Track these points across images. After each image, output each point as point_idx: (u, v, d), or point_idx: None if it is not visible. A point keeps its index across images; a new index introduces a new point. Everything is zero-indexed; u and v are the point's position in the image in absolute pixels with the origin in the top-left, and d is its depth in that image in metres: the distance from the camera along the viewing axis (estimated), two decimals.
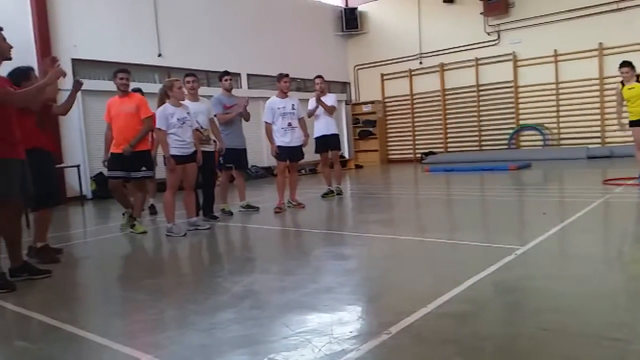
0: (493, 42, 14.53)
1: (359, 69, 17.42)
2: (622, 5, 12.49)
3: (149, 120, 5.82)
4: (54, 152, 4.86)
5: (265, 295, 3.28)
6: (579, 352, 2.15)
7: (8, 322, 3.16)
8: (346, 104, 17.13)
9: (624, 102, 7.50)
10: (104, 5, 10.91)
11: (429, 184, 10.17)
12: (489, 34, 14.58)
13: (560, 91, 13.65)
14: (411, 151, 16.49)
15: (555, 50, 13.48)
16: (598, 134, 13.25)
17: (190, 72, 6.59)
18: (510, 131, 14.49)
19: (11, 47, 3.74)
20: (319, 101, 7.76)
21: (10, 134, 3.69)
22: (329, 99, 7.96)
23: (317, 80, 7.99)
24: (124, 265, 4.73)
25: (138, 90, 6.39)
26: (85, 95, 10.28)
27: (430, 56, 15.69)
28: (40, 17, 9.79)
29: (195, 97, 6.32)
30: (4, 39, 3.71)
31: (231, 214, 6.85)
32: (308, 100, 8.16)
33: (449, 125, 15.69)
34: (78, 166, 9.54)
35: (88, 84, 10.18)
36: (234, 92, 7.31)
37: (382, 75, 16.79)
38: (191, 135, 5.68)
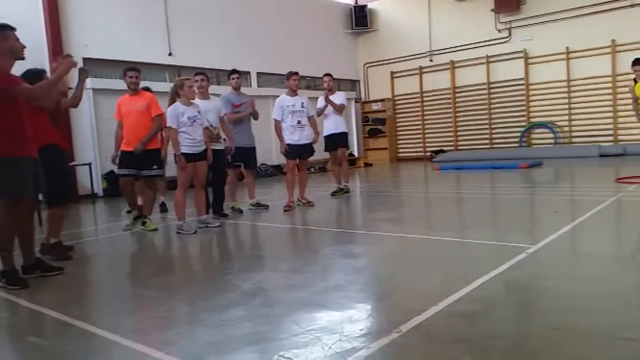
0: (504, 39, 14.42)
1: (368, 67, 17.38)
2: (636, 1, 12.33)
3: (159, 119, 5.86)
4: (66, 150, 4.90)
5: (275, 292, 3.29)
6: (591, 351, 2.13)
7: (21, 318, 3.20)
8: (356, 102, 17.10)
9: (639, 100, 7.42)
10: (115, 5, 10.98)
11: (439, 182, 10.13)
12: (499, 31, 14.46)
13: (572, 89, 13.52)
14: (421, 149, 16.43)
15: (567, 48, 13.35)
16: (610, 132, 13.11)
17: (199, 71, 6.62)
18: (522, 129, 14.38)
19: (24, 47, 3.78)
20: (327, 100, 7.76)
21: (22, 131, 3.72)
22: (338, 97, 7.95)
23: (326, 79, 7.99)
24: (134, 262, 4.77)
25: (146, 88, 6.42)
26: (97, 94, 10.39)
27: (441, 53, 15.60)
28: (51, 18, 9.89)
29: (205, 96, 6.34)
30: (17, 39, 3.74)
31: (241, 211, 6.87)
32: (317, 98, 8.15)
33: (459, 123, 15.60)
34: (89, 164, 9.63)
35: (99, 83, 10.44)
36: (243, 90, 7.33)
37: (392, 73, 16.73)
38: (202, 133, 5.71)
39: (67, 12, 10.24)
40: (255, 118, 7.11)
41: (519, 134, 14.41)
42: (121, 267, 4.57)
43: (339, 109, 7.88)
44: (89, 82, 10.24)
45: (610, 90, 12.97)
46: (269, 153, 13.34)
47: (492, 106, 14.88)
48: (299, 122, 7.01)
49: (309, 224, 6.07)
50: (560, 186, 8.48)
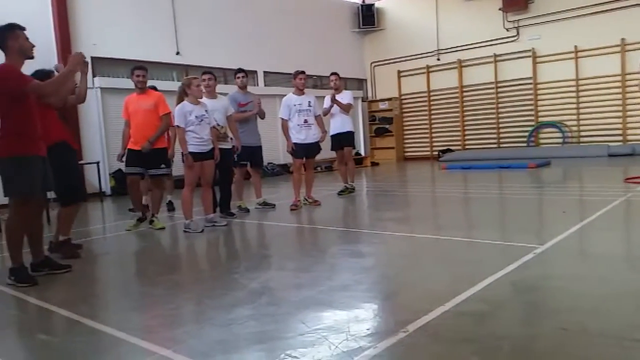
0: (512, 38, 14.34)
1: (375, 66, 17.34)
2: None
3: (167, 117, 5.89)
4: (75, 149, 4.93)
5: (282, 292, 3.29)
6: (600, 352, 2.12)
7: (30, 315, 3.23)
8: (362, 101, 17.07)
9: None
10: (123, 4, 11.03)
11: (446, 182, 10.09)
12: (507, 29, 14.38)
13: (581, 88, 13.41)
14: (428, 149, 16.37)
15: (576, 46, 13.25)
16: (619, 132, 13.00)
17: (207, 70, 6.63)
18: (529, 129, 14.29)
19: (33, 46, 3.81)
20: (334, 101, 7.75)
21: (32, 130, 3.75)
22: (345, 96, 7.94)
23: (332, 78, 7.99)
24: (142, 260, 4.79)
25: (152, 87, 6.45)
26: (105, 92, 10.44)
27: (448, 52, 15.53)
28: (60, 17, 9.95)
29: (212, 95, 6.36)
30: (27, 38, 3.77)
31: (247, 211, 6.89)
32: (324, 97, 8.15)
33: (466, 123, 15.54)
34: (97, 163, 9.69)
35: (108, 82, 10.49)
36: (250, 89, 7.33)
37: (399, 72, 16.69)
38: (209, 132, 5.72)
39: (76, 12, 10.30)
40: (262, 117, 7.12)
41: (526, 134, 14.33)
42: (129, 266, 4.60)
43: (346, 109, 7.88)
44: (97, 81, 10.33)
45: (619, 90, 12.85)
46: (275, 152, 13.35)
47: (500, 105, 14.80)
48: (305, 121, 7.01)
49: (315, 223, 6.07)
50: (569, 186, 8.43)
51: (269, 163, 12.82)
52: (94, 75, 10.30)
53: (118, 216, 7.97)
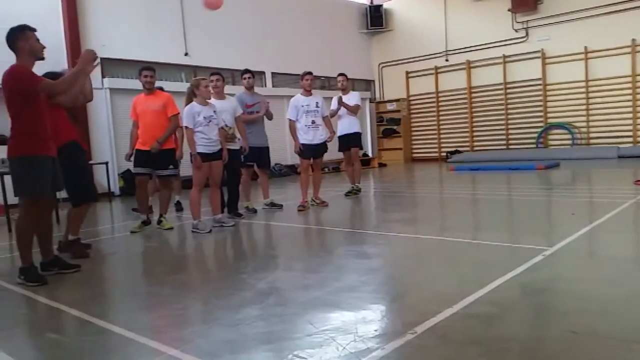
0: (521, 39, 14.26)
1: (383, 67, 17.32)
2: None
3: (175, 118, 5.92)
4: (85, 149, 4.97)
5: (289, 292, 3.30)
6: (609, 355, 2.10)
7: (40, 315, 3.25)
8: (370, 102, 17.06)
9: None
10: (132, 6, 11.11)
11: (454, 183, 10.06)
12: (516, 30, 14.31)
13: (590, 89, 13.31)
14: (436, 150, 16.33)
15: (586, 47, 13.16)
16: (630, 133, 12.89)
17: (215, 71, 6.65)
18: (539, 130, 14.21)
19: (44, 48, 3.84)
20: (341, 103, 7.74)
21: (43, 130, 3.78)
22: (353, 97, 7.94)
23: (340, 78, 7.99)
24: (150, 260, 4.81)
25: (160, 88, 6.48)
26: (114, 93, 10.53)
27: (457, 53, 15.49)
28: (70, 18, 10.04)
29: (220, 96, 6.38)
30: (37, 39, 3.81)
31: (255, 211, 6.90)
32: (332, 98, 8.15)
33: (475, 124, 15.48)
34: (106, 163, 9.76)
35: (117, 83, 10.57)
36: (258, 90, 7.34)
37: (407, 73, 16.66)
38: (217, 133, 5.74)
39: (86, 13, 10.39)
40: (270, 118, 7.13)
41: (535, 135, 14.25)
42: (137, 265, 4.62)
43: (354, 110, 7.87)
44: (106, 82, 10.41)
45: (629, 91, 12.75)
46: (283, 153, 13.38)
47: (509, 106, 14.72)
48: (313, 121, 7.02)
49: (323, 224, 6.07)
50: (578, 188, 8.37)
51: (276, 164, 12.85)
52: (102, 76, 10.39)
53: (126, 216, 8.02)
